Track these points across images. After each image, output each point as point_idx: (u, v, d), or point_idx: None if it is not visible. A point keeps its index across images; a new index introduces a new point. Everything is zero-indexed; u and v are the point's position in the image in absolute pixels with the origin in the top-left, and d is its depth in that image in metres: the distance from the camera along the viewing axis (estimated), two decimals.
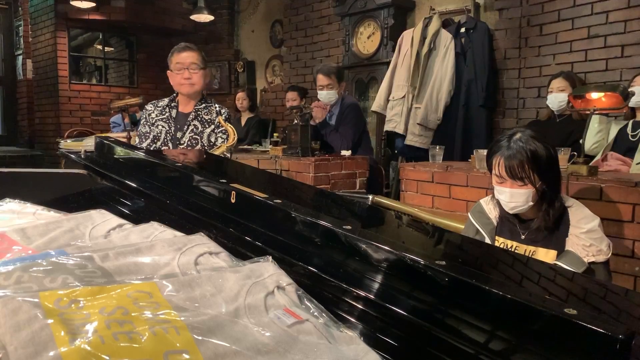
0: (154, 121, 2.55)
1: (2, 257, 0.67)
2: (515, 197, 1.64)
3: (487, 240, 1.80)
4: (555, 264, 1.61)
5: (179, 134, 2.50)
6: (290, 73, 6.29)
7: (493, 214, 1.81)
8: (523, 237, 1.74)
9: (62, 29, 6.77)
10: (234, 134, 2.42)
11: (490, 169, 1.72)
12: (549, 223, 1.67)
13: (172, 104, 2.58)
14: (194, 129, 2.49)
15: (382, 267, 0.67)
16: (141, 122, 2.63)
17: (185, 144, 2.48)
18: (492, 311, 0.56)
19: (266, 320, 0.55)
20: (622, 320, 0.56)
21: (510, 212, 1.70)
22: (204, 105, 2.55)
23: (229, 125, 2.45)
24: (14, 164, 6.59)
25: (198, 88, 2.52)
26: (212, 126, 2.51)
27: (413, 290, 0.64)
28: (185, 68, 2.48)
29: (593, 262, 1.62)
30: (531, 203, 1.65)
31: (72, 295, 0.51)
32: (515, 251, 1.73)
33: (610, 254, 1.65)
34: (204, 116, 2.53)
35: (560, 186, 1.72)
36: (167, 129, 2.52)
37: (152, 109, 2.59)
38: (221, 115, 2.50)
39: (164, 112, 2.55)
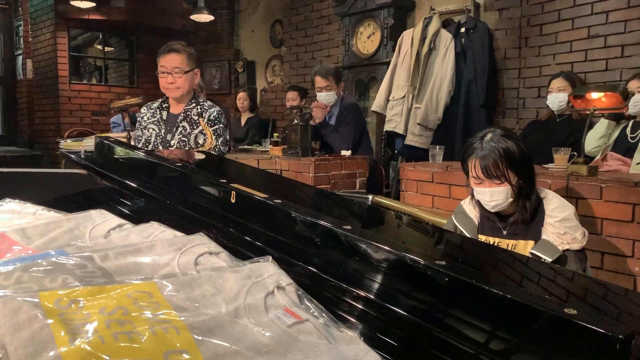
0: (146, 124, 2.55)
1: (2, 257, 0.67)
2: (495, 195, 1.71)
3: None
4: (531, 252, 1.66)
5: (168, 136, 2.49)
6: (290, 73, 6.29)
7: (474, 213, 1.87)
8: (505, 232, 1.79)
9: (62, 29, 6.76)
10: (211, 139, 2.39)
11: (466, 171, 1.78)
12: (526, 216, 1.73)
13: (164, 105, 2.57)
14: (183, 131, 2.48)
15: (382, 267, 0.67)
16: (136, 126, 2.63)
17: (175, 147, 2.46)
18: (492, 311, 0.56)
19: (266, 320, 0.55)
20: (622, 320, 0.56)
21: (492, 210, 1.76)
22: (193, 105, 2.52)
23: (209, 128, 2.41)
24: (14, 164, 6.59)
25: (183, 92, 2.48)
26: (200, 127, 2.49)
27: (413, 290, 0.64)
28: (168, 73, 2.44)
29: (568, 250, 1.68)
30: (511, 199, 1.71)
31: (72, 295, 0.51)
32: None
33: (585, 242, 1.71)
34: (193, 117, 2.50)
35: (535, 180, 1.77)
36: (157, 131, 2.51)
37: (146, 111, 2.59)
38: (202, 117, 2.46)
39: (155, 115, 2.55)
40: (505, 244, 1.78)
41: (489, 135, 1.72)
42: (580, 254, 1.72)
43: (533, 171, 1.76)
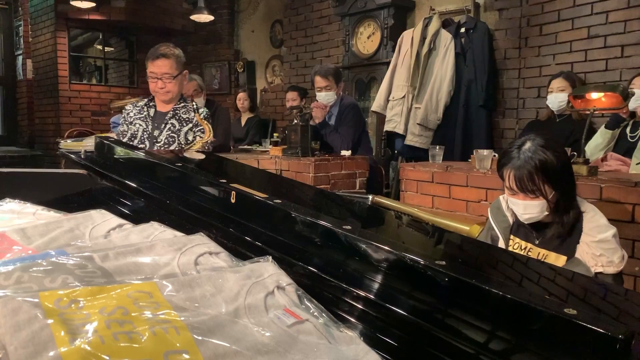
0: (131, 120, 2.57)
1: (2, 257, 0.67)
2: (528, 208, 1.61)
3: (501, 239, 1.78)
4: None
5: (156, 132, 2.50)
6: (290, 73, 6.29)
7: (510, 212, 1.77)
8: (537, 241, 1.71)
9: (62, 29, 6.76)
10: (210, 131, 2.44)
11: (502, 178, 1.67)
12: (563, 231, 1.63)
13: (151, 104, 2.59)
14: (172, 127, 2.50)
15: (382, 267, 0.67)
16: (120, 122, 2.64)
17: (162, 142, 2.48)
18: (492, 311, 0.56)
19: (266, 320, 0.55)
20: (622, 320, 0.56)
21: (525, 222, 1.66)
22: (182, 104, 2.56)
23: (206, 122, 2.45)
24: (14, 164, 6.59)
25: (173, 95, 2.52)
26: (190, 124, 2.51)
27: (413, 290, 0.64)
28: (158, 78, 2.47)
29: (601, 273, 1.57)
30: (546, 212, 1.61)
31: (72, 295, 0.51)
32: (529, 253, 1.70)
33: (622, 267, 1.60)
34: (182, 115, 2.53)
35: (575, 192, 1.66)
36: (145, 127, 2.52)
37: (131, 108, 2.62)
38: (198, 113, 2.49)
39: (142, 112, 2.57)
40: (537, 252, 1.69)
41: (527, 145, 1.59)
42: (616, 277, 1.61)
43: (573, 184, 1.65)
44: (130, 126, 2.55)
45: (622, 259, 1.59)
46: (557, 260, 1.64)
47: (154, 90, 2.52)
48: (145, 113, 2.56)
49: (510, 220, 1.77)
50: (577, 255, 1.61)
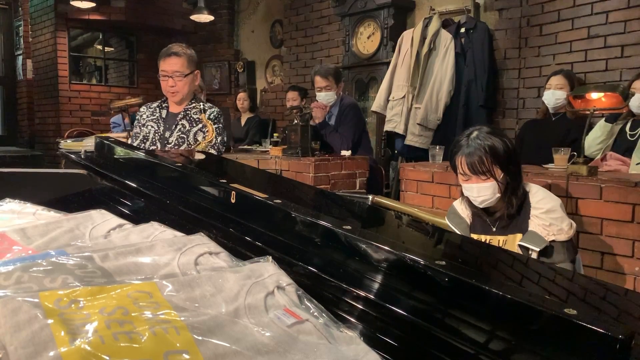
0: (144, 122, 2.58)
1: (2, 257, 0.67)
2: (482, 191, 1.74)
3: None
4: (519, 245, 1.71)
5: (167, 134, 2.51)
6: (290, 73, 6.29)
7: (465, 213, 1.91)
8: (494, 229, 1.83)
9: (62, 29, 6.77)
10: (213, 132, 2.43)
11: (455, 169, 1.81)
12: (512, 210, 1.77)
13: (164, 105, 2.61)
14: (182, 128, 2.50)
15: (382, 267, 0.67)
16: (134, 124, 2.65)
17: (173, 144, 2.48)
18: (492, 311, 0.56)
19: (266, 321, 0.55)
20: (622, 320, 0.56)
21: (480, 206, 1.79)
22: (194, 104, 2.56)
23: (211, 123, 2.45)
24: (14, 164, 6.58)
25: (184, 94, 2.52)
26: (200, 125, 2.51)
27: (413, 290, 0.64)
28: (169, 77, 2.47)
29: (554, 241, 1.71)
30: (498, 195, 1.75)
31: (72, 295, 0.51)
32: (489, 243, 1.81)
33: (572, 233, 1.74)
34: (192, 115, 2.53)
35: (521, 176, 1.81)
36: (156, 129, 2.53)
37: (145, 110, 2.63)
38: (204, 113, 2.49)
39: (154, 113, 2.58)
40: (496, 240, 1.81)
41: (475, 133, 1.76)
42: (568, 244, 1.75)
43: (519, 167, 1.80)
44: (142, 128, 2.56)
45: (570, 226, 1.74)
46: (515, 239, 1.77)
47: (165, 90, 2.53)
48: (157, 114, 2.56)
49: (468, 220, 1.90)
50: (530, 229, 1.74)
